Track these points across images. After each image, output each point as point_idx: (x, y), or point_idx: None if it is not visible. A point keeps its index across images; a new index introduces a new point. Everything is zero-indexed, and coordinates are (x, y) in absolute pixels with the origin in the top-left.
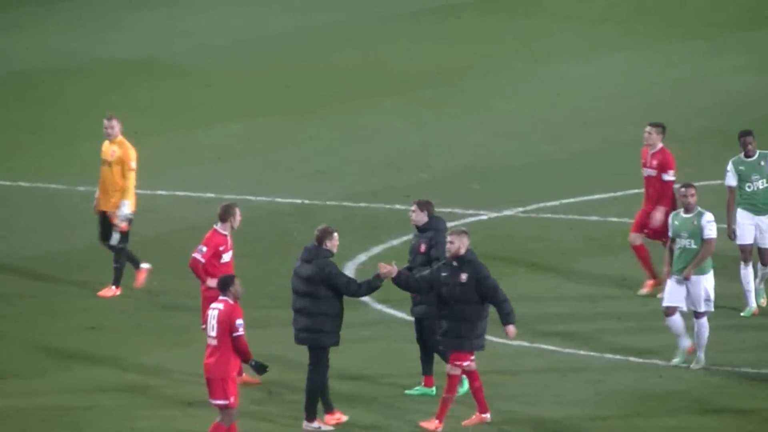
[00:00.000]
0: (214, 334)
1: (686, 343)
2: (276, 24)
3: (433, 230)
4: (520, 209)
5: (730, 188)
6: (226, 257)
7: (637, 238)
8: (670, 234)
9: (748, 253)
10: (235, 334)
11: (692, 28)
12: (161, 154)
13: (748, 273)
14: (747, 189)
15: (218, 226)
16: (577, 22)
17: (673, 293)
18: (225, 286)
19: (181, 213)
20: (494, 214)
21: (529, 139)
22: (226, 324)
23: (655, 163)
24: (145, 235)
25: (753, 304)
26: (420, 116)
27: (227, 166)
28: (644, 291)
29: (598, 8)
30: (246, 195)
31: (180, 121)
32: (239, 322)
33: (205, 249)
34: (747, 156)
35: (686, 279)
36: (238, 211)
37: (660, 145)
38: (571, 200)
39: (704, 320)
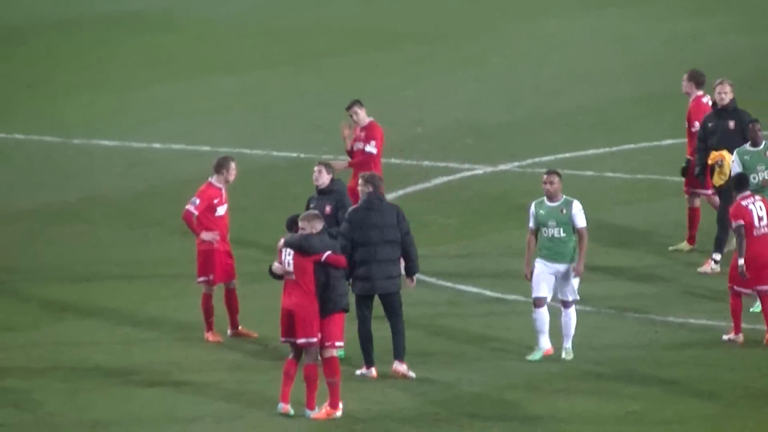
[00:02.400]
0: (291, 270)
1: (546, 344)
2: None
3: (337, 192)
4: (515, 164)
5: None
6: (221, 210)
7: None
8: (531, 225)
9: None
10: (319, 260)
11: None
12: (155, 107)
13: None
14: (752, 180)
15: (213, 179)
16: None
17: (541, 284)
18: (292, 225)
19: (175, 166)
20: (489, 169)
21: (522, 94)
22: (302, 260)
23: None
24: (140, 188)
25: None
26: (414, 72)
27: (222, 119)
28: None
29: None
30: (241, 148)
31: (173, 74)
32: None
33: (198, 201)
34: (754, 145)
35: (579, 275)
36: (233, 165)
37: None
38: (566, 155)
39: (572, 310)
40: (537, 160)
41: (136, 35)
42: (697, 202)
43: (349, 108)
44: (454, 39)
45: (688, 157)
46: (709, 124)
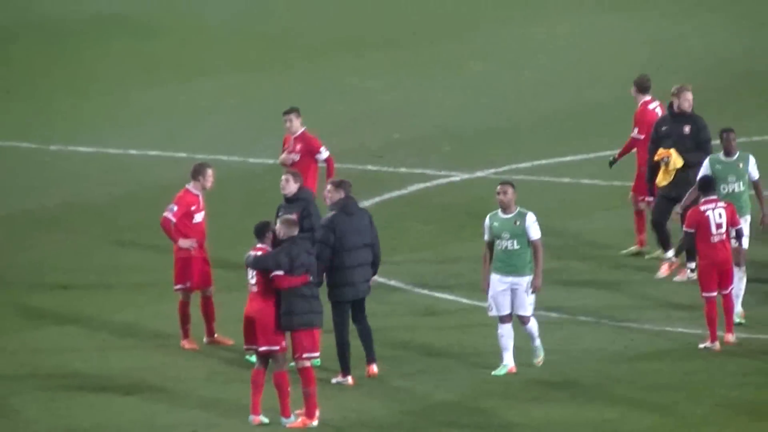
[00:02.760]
0: (254, 280)
1: (511, 362)
2: None
3: (304, 200)
4: (492, 170)
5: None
6: (198, 217)
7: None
8: (486, 237)
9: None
10: (273, 274)
11: None
12: (132, 112)
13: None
14: (722, 191)
15: (190, 186)
16: None
17: (500, 300)
18: (262, 232)
19: (153, 172)
20: (466, 176)
21: (501, 100)
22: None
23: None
24: (117, 194)
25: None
26: (393, 76)
27: (199, 124)
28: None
29: None
30: (218, 155)
31: (151, 79)
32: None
33: (176, 208)
34: (727, 154)
35: (538, 289)
36: (209, 171)
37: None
38: (543, 162)
39: (531, 323)
40: (515, 166)
41: (115, 39)
42: (642, 206)
43: (286, 113)
44: (433, 44)
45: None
46: (663, 128)
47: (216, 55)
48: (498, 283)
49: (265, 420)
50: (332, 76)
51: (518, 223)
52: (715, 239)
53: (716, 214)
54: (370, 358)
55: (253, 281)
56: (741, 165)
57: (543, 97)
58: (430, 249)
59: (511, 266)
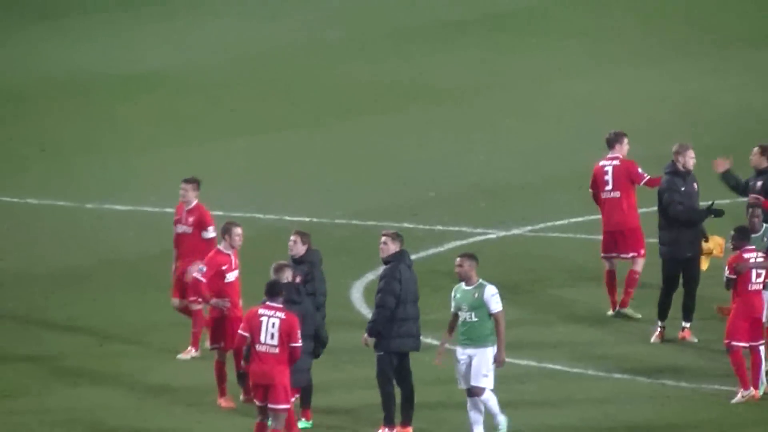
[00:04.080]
0: (275, 342)
1: (502, 419)
2: (283, 39)
3: (308, 263)
4: (528, 228)
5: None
6: (231, 276)
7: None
8: (452, 308)
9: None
10: (295, 345)
11: (699, 45)
12: (167, 170)
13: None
14: None
15: (221, 246)
16: (584, 39)
17: (463, 374)
18: (274, 291)
19: None
20: (502, 233)
21: (536, 157)
22: (287, 334)
23: None
24: (152, 252)
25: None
26: (428, 133)
27: (235, 183)
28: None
29: (605, 25)
30: (254, 213)
31: (187, 137)
32: (299, 332)
33: (205, 269)
34: (752, 230)
35: (501, 364)
36: (236, 230)
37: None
38: (579, 219)
39: (486, 395)
40: (550, 224)
41: (150, 97)
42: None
43: (185, 182)
44: (467, 100)
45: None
46: (682, 188)
47: (248, 113)
48: (458, 355)
49: None
50: (366, 134)
51: (477, 295)
52: (753, 287)
53: (758, 263)
54: (408, 420)
55: (274, 342)
56: (766, 239)
57: (579, 153)
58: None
59: (468, 339)
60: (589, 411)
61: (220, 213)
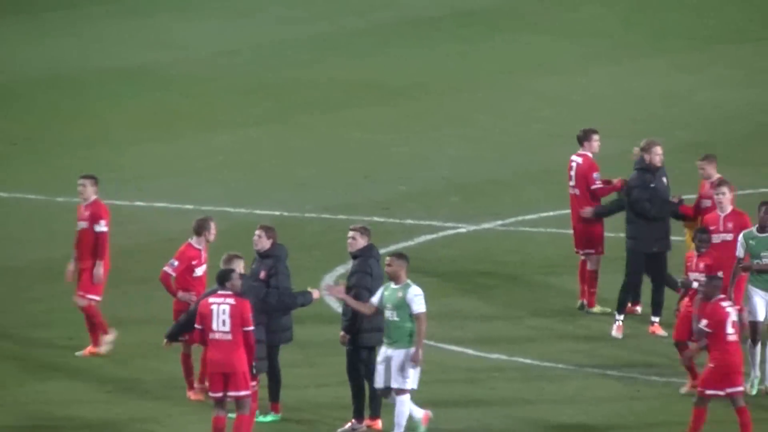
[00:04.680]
0: (227, 329)
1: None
2: (259, 35)
3: (273, 257)
4: (499, 222)
5: (738, 259)
6: (199, 271)
7: None
8: (374, 299)
9: (758, 330)
10: (247, 329)
11: (675, 42)
12: (141, 164)
13: (756, 352)
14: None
15: (192, 240)
16: (556, 35)
17: (382, 373)
18: (224, 279)
19: (160, 224)
20: (473, 227)
21: (508, 152)
22: (239, 318)
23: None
24: (124, 246)
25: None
26: (401, 128)
27: (207, 177)
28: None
29: (577, 21)
30: (225, 207)
31: (161, 132)
32: (251, 316)
33: (176, 263)
34: (761, 230)
35: (416, 363)
36: (212, 225)
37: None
38: (550, 214)
39: (404, 397)
40: (521, 218)
41: (127, 92)
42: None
43: (82, 178)
44: (441, 96)
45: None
46: (652, 185)
47: (222, 108)
48: (379, 354)
49: None
50: (338, 129)
51: (401, 294)
52: (731, 338)
53: (733, 312)
54: (377, 413)
55: (226, 328)
56: None
57: (550, 149)
58: (435, 300)
59: (390, 339)
60: (560, 405)
61: (191, 207)
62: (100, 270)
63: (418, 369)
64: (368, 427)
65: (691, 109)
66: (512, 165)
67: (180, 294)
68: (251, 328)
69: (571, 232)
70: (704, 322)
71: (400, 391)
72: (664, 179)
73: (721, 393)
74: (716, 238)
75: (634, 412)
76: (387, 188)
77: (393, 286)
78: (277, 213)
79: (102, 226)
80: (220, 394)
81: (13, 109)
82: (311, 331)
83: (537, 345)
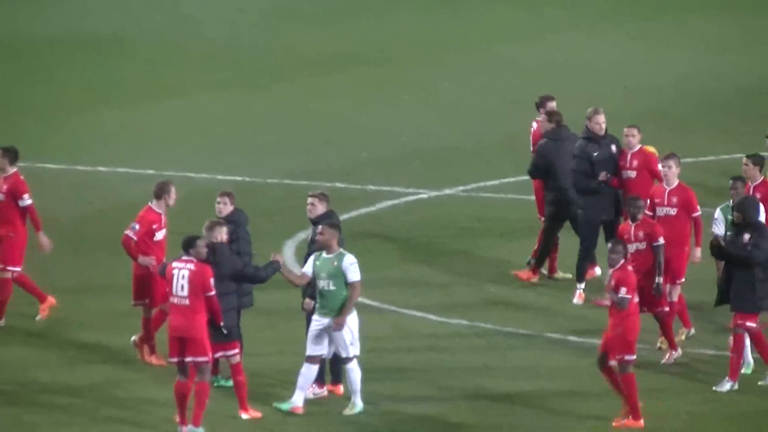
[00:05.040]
0: (185, 293)
1: (299, 402)
2: (216, 3)
3: (234, 223)
4: (461, 188)
5: (716, 237)
6: (159, 235)
7: None
8: (305, 268)
9: None
10: (209, 294)
11: (631, 11)
12: (101, 130)
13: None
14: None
15: (153, 204)
16: (518, 4)
17: (314, 340)
18: (188, 245)
19: (121, 189)
20: (434, 193)
21: (469, 119)
22: (198, 283)
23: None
24: (86, 211)
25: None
26: (362, 95)
27: (167, 142)
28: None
29: None
30: (186, 172)
31: (120, 98)
32: (212, 281)
33: (137, 227)
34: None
35: (339, 326)
36: (173, 189)
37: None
38: (511, 180)
39: (352, 364)
40: (482, 184)
41: (84, 58)
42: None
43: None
44: (401, 63)
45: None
46: (595, 153)
47: (183, 74)
48: (314, 322)
49: None
50: (300, 96)
51: (335, 263)
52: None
53: None
54: (338, 378)
55: (184, 293)
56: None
57: (510, 117)
58: (397, 266)
59: (325, 308)
60: (521, 372)
61: (152, 172)
62: (44, 239)
63: (357, 335)
64: (329, 392)
65: (646, 78)
66: (473, 132)
67: (140, 258)
68: (213, 293)
69: (533, 198)
70: (624, 290)
71: (347, 360)
72: (613, 147)
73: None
74: (660, 211)
75: (595, 377)
76: (348, 154)
77: (325, 255)
78: (239, 178)
79: (26, 200)
80: (177, 359)
81: None
82: (272, 296)
83: (498, 311)
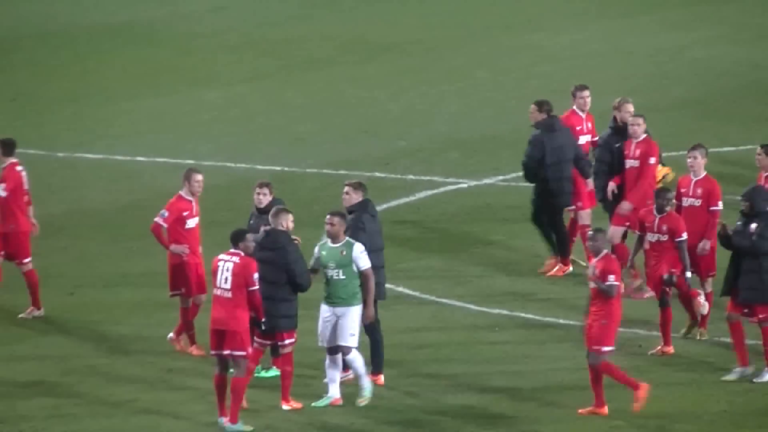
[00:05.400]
0: (228, 286)
1: (336, 393)
2: None
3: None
4: (499, 177)
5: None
6: (191, 223)
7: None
8: (312, 263)
9: None
10: (252, 288)
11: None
12: (140, 120)
13: None
14: None
15: (182, 191)
16: None
17: (326, 332)
18: (237, 239)
19: (159, 179)
20: (473, 183)
21: (507, 108)
22: (242, 277)
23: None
24: (124, 201)
25: None
26: (399, 84)
27: (206, 132)
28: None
29: None
30: (225, 162)
31: (158, 87)
32: (256, 276)
33: (167, 213)
34: None
35: (368, 320)
36: (195, 176)
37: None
38: None
39: (353, 354)
40: (521, 173)
41: (121, 48)
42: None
43: None
44: (439, 52)
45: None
46: (617, 145)
47: (219, 63)
48: (323, 313)
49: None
50: (337, 85)
51: (345, 253)
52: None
53: None
54: (379, 368)
55: (227, 286)
56: None
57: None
58: (436, 255)
59: (336, 297)
60: (560, 362)
61: (192, 162)
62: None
63: (358, 329)
64: (372, 381)
65: (683, 66)
66: (510, 120)
67: (172, 246)
68: (256, 287)
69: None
70: (612, 277)
71: (349, 349)
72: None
73: (613, 348)
74: (685, 202)
75: (636, 365)
76: (387, 144)
77: (331, 245)
78: (278, 168)
79: (2, 191)
80: (216, 352)
81: (7, 64)
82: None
83: (537, 301)
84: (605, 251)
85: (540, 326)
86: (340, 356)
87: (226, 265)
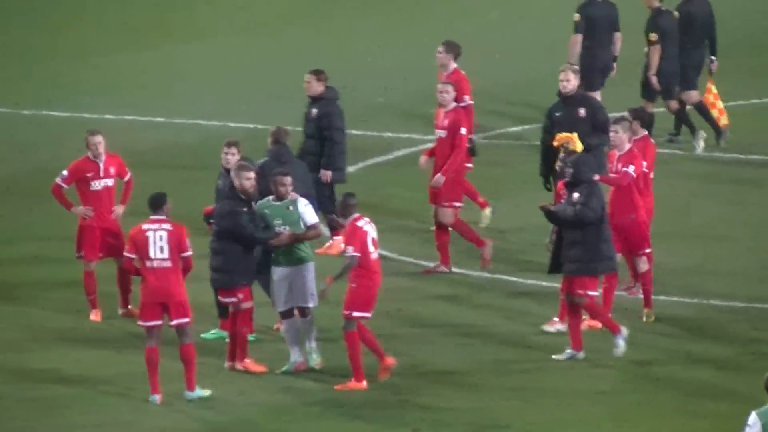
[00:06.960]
0: (166, 255)
1: (297, 357)
2: None
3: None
4: (481, 134)
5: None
6: (97, 185)
7: None
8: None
9: None
10: (185, 254)
11: None
12: (108, 76)
13: None
14: None
15: (89, 153)
16: None
17: (281, 294)
18: (159, 203)
19: (128, 137)
20: None
21: (489, 64)
22: (176, 244)
23: None
24: None
25: None
26: (377, 40)
27: (177, 89)
28: None
29: None
30: (197, 119)
31: (127, 43)
32: (188, 241)
33: (66, 174)
34: None
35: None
36: (89, 138)
37: None
38: (533, 126)
39: (310, 317)
40: (503, 131)
41: (88, 2)
42: None
43: None
44: (419, 5)
45: (470, 137)
46: (556, 114)
47: (191, 19)
48: (276, 276)
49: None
50: (313, 39)
51: (290, 208)
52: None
53: None
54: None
55: (164, 255)
56: None
57: (532, 60)
58: (415, 215)
59: (286, 256)
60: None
61: (162, 119)
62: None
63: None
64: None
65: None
66: (492, 77)
67: (74, 208)
68: (190, 252)
69: None
70: (350, 248)
71: (308, 310)
72: (581, 110)
73: (368, 315)
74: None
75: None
76: (364, 100)
77: (273, 202)
78: (251, 126)
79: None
80: (154, 323)
81: None
82: None
83: (520, 263)
84: (354, 216)
85: (522, 288)
86: (296, 318)
87: (157, 234)
